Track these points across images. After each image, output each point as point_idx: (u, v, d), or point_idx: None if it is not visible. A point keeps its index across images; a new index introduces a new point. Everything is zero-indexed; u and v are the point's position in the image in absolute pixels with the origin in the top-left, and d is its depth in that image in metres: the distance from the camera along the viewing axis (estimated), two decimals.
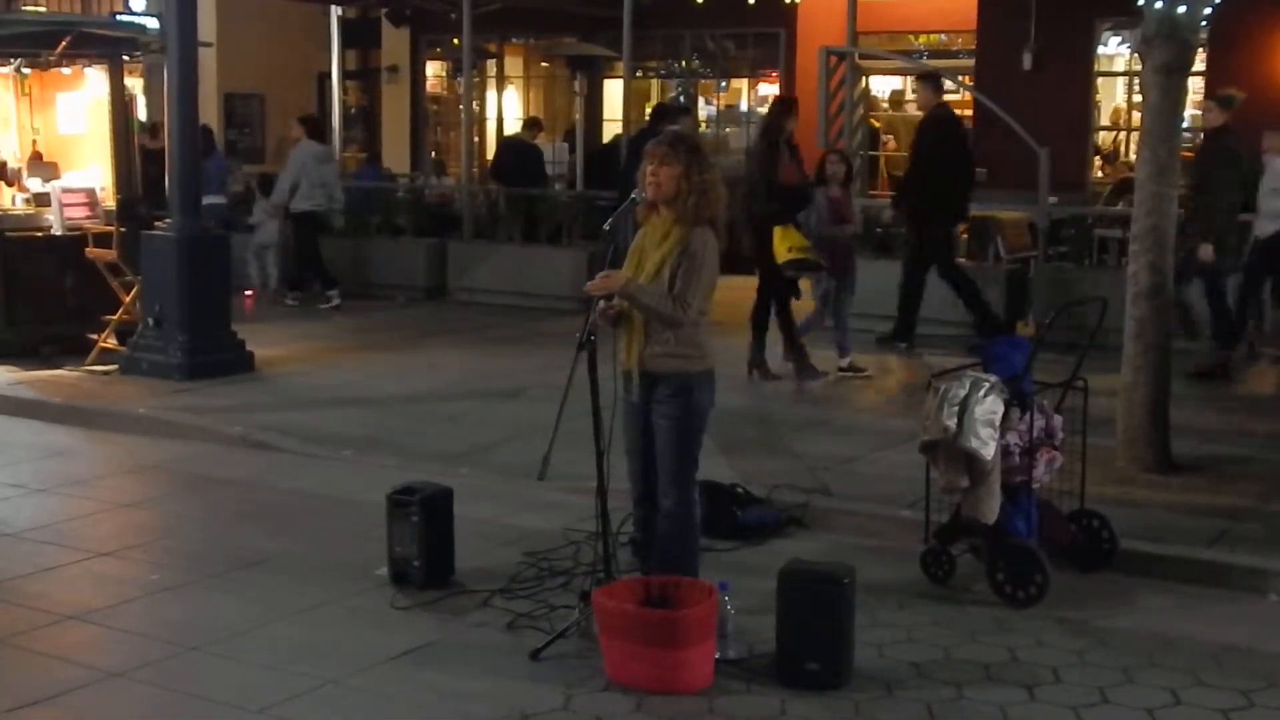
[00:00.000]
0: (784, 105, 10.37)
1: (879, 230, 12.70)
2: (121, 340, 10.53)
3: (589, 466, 5.26)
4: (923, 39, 18.06)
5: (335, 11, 18.15)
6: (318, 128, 14.56)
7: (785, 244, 9.65)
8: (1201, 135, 10.37)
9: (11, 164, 11.84)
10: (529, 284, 13.57)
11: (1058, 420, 6.03)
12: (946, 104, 11.59)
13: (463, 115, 16.57)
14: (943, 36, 17.84)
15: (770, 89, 18.91)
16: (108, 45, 11.34)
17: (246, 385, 10.00)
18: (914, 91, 13.09)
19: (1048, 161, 11.68)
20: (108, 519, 7.15)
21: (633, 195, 5.45)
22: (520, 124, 17.51)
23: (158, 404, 9.31)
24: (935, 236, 11.24)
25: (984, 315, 11.11)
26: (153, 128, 14.75)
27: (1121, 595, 5.92)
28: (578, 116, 18.19)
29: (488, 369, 10.73)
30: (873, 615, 5.51)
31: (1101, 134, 16.94)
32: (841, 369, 10.22)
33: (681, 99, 18.73)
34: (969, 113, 17.27)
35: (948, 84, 17.69)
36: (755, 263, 9.92)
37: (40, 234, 11.13)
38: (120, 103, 11.41)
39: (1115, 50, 16.68)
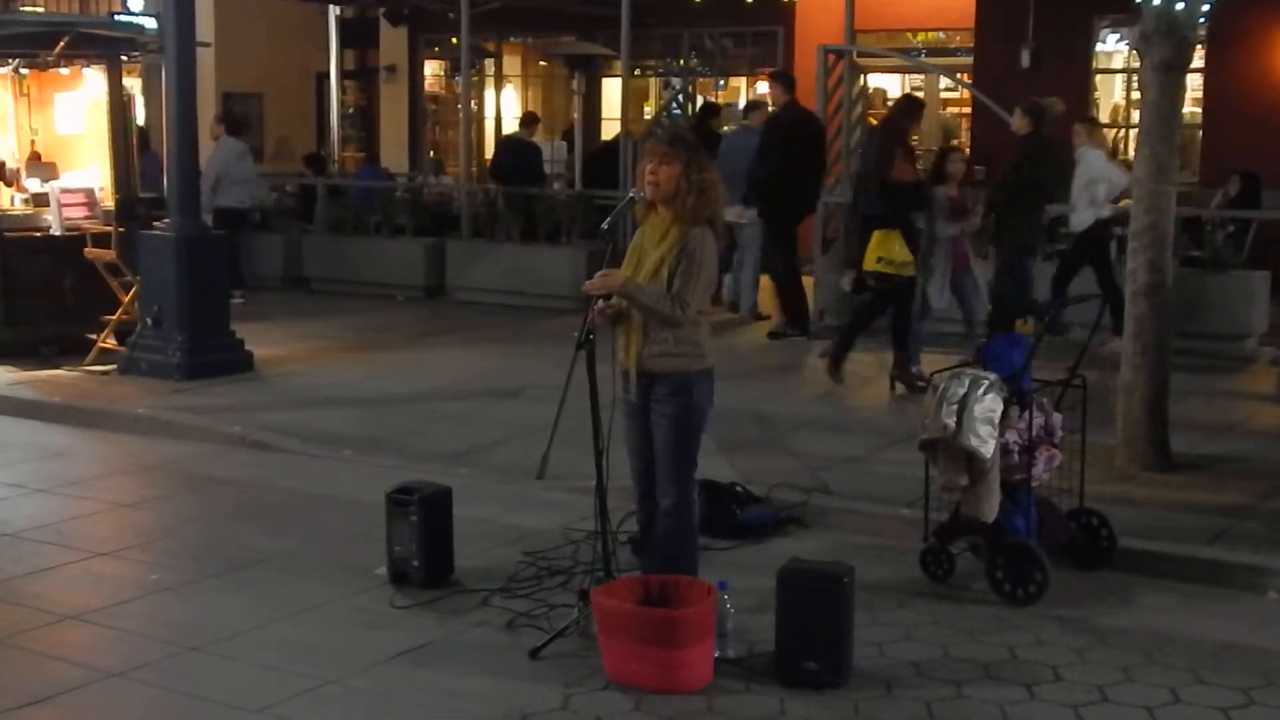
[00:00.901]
0: (910, 106, 10.04)
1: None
2: (120, 340, 10.53)
3: (588, 466, 5.26)
4: (921, 37, 18.05)
5: (333, 11, 18.16)
6: (237, 125, 14.72)
7: (878, 252, 9.19)
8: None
9: (10, 164, 11.83)
10: (528, 283, 13.57)
11: (1057, 418, 6.03)
12: (798, 102, 11.90)
13: (461, 114, 16.56)
14: (941, 34, 17.83)
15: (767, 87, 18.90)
16: (106, 45, 11.33)
17: (245, 385, 10.00)
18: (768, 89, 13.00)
19: None
20: (107, 519, 7.14)
21: (631, 194, 5.45)
22: (517, 122, 17.49)
23: (157, 404, 9.31)
24: (778, 232, 11.67)
25: (795, 315, 11.74)
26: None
27: (1121, 593, 5.92)
28: (576, 115, 18.17)
29: (487, 368, 10.73)
30: (872, 614, 5.51)
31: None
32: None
33: (680, 98, 18.72)
34: (967, 110, 17.32)
35: (946, 82, 17.82)
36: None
37: (39, 234, 11.12)
38: (118, 103, 11.40)
39: (1114, 48, 16.67)
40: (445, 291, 14.34)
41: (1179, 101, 7.53)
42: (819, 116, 12.38)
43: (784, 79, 12.01)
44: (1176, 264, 8.67)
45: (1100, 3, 15.18)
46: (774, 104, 12.07)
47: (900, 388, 9.61)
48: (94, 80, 11.70)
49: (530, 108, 19.94)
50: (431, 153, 20.40)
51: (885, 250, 9.23)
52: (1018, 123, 10.57)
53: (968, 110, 17.33)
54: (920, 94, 19.15)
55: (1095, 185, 10.76)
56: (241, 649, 5.28)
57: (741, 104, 19.45)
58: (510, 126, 19.35)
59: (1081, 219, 10.86)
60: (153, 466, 8.17)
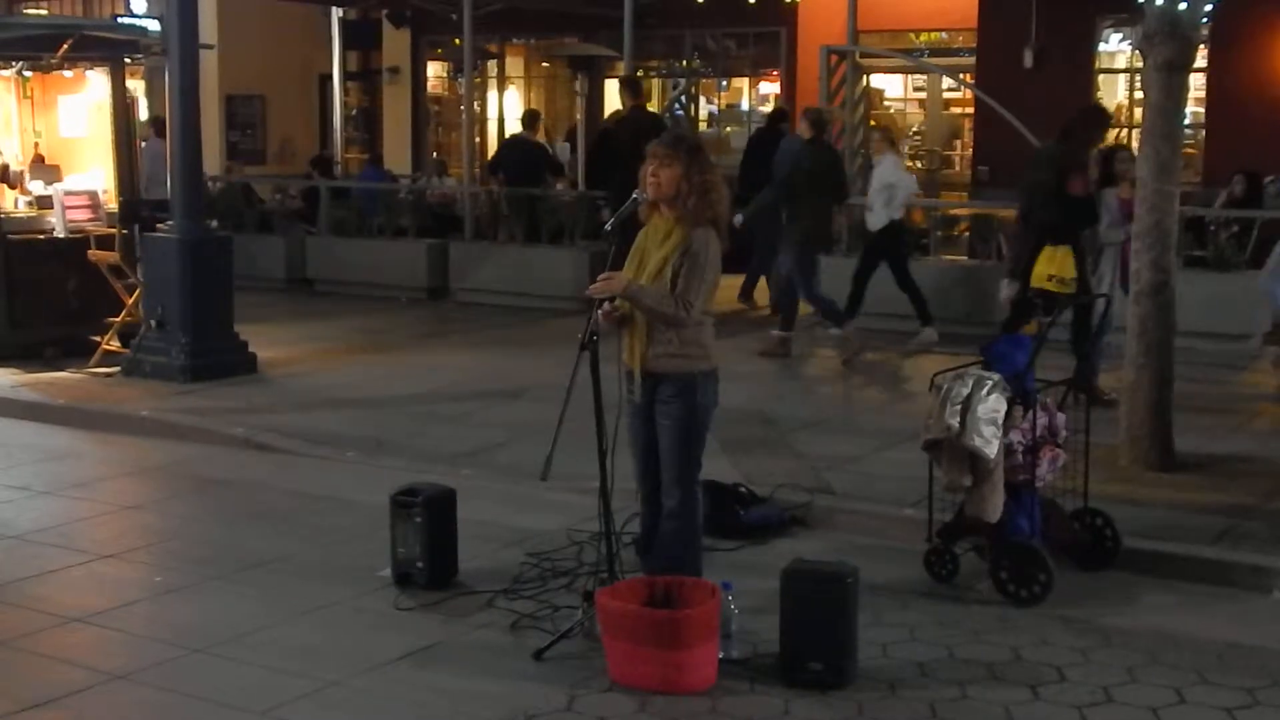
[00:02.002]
0: (1098, 117, 9.69)
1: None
2: (124, 342, 10.54)
3: (592, 467, 5.26)
4: (923, 37, 18.04)
5: (336, 13, 18.18)
6: (164, 128, 14.89)
7: (1049, 270, 8.68)
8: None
9: (14, 167, 11.85)
10: (531, 284, 13.57)
11: (1061, 418, 6.03)
12: (643, 107, 12.81)
13: (464, 116, 16.57)
14: (944, 34, 17.82)
15: (771, 88, 18.92)
16: (109, 48, 11.35)
17: (249, 386, 10.00)
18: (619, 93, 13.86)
19: None
20: (111, 521, 7.15)
21: (634, 195, 5.45)
22: (520, 122, 17.48)
23: (160, 406, 9.31)
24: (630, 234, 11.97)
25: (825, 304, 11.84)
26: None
27: (1125, 593, 5.91)
28: (579, 117, 18.18)
29: (490, 369, 10.73)
30: (876, 614, 5.51)
31: None
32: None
33: (683, 98, 18.73)
34: (970, 110, 17.32)
35: (949, 82, 17.82)
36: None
37: (43, 236, 11.14)
38: (122, 105, 11.43)
39: (1116, 47, 16.66)
40: (448, 293, 14.34)
41: (1182, 101, 7.53)
42: (665, 121, 13.27)
43: (631, 84, 12.82)
44: (1180, 264, 8.67)
45: (1103, 3, 15.18)
46: (621, 109, 12.94)
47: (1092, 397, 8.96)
48: (97, 83, 11.73)
49: (533, 108, 19.95)
50: (434, 154, 20.41)
51: (1056, 267, 8.73)
52: (801, 128, 11.41)
53: (970, 110, 17.32)
54: (921, 95, 19.24)
55: (891, 189, 11.39)
56: (245, 651, 5.29)
57: (744, 104, 19.60)
58: (513, 128, 19.35)
59: (877, 219, 11.47)
60: (157, 468, 8.18)
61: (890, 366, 10.95)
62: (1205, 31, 9.83)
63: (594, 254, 12.79)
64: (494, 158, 15.77)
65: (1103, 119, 9.80)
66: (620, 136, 12.32)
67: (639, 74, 17.31)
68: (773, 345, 11.13)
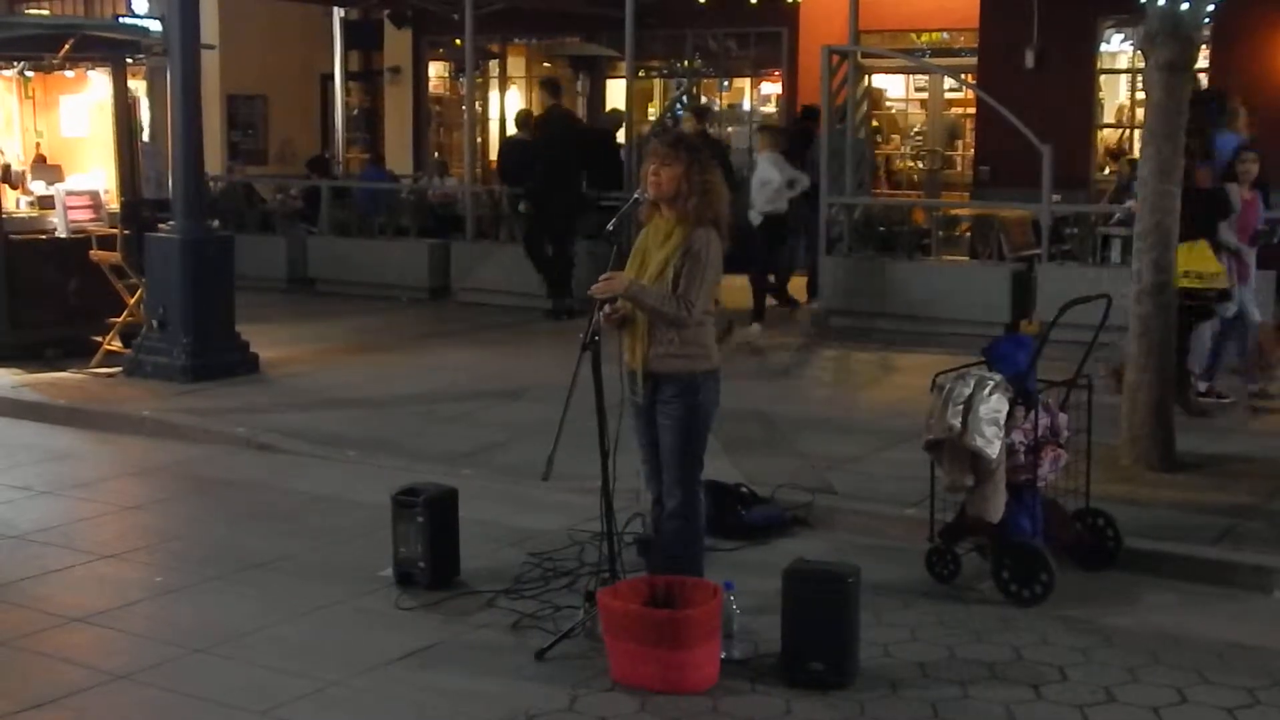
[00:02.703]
0: (1219, 101, 9.38)
1: (881, 229, 12.70)
2: (126, 342, 10.54)
3: (593, 467, 5.26)
4: (925, 37, 18.04)
5: (337, 13, 18.18)
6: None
7: (1186, 266, 8.18)
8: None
9: (16, 167, 11.86)
10: (532, 284, 13.55)
11: (1063, 418, 6.03)
12: (560, 105, 13.72)
13: (465, 116, 16.58)
14: (945, 35, 17.82)
15: (773, 88, 18.92)
16: (111, 48, 11.35)
17: (250, 387, 10.01)
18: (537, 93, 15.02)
19: (1050, 159, 11.69)
20: (112, 521, 7.15)
21: (635, 195, 5.45)
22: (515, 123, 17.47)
23: (162, 406, 9.31)
24: (548, 228, 13.02)
25: (556, 290, 13.02)
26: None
27: (1126, 593, 5.91)
28: (581, 117, 18.18)
29: (491, 369, 10.73)
30: (877, 614, 5.51)
31: (1105, 132, 16.92)
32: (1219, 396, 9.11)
33: (685, 98, 18.72)
34: (971, 111, 17.32)
35: (950, 82, 17.81)
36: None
37: (44, 236, 11.15)
38: (124, 105, 11.43)
39: (1118, 48, 16.66)
40: (449, 293, 14.34)
41: (1183, 102, 7.52)
42: (583, 121, 14.41)
43: (549, 85, 13.95)
44: None
45: (1104, 3, 15.17)
46: (540, 109, 13.77)
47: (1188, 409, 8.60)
48: (99, 83, 11.74)
49: (534, 109, 19.95)
50: (436, 154, 20.41)
51: (1195, 263, 8.38)
52: (687, 123, 12.36)
53: (972, 111, 17.32)
54: (912, 96, 19.20)
55: (767, 186, 12.09)
56: (246, 651, 5.29)
57: (745, 104, 19.60)
58: (514, 128, 19.33)
59: (755, 216, 12.16)
60: (158, 468, 8.18)
61: (862, 363, 10.95)
62: (1207, 32, 9.82)
63: (595, 254, 12.79)
64: (499, 165, 15.78)
65: (1219, 104, 9.44)
66: (537, 135, 13.28)
67: (640, 74, 17.35)
68: (750, 337, 11.71)
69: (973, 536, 5.97)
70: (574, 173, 13.12)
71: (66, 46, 10.97)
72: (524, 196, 13.31)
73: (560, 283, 13.01)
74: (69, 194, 11.26)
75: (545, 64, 20.90)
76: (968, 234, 13.49)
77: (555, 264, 13.07)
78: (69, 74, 11.87)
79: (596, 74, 18.84)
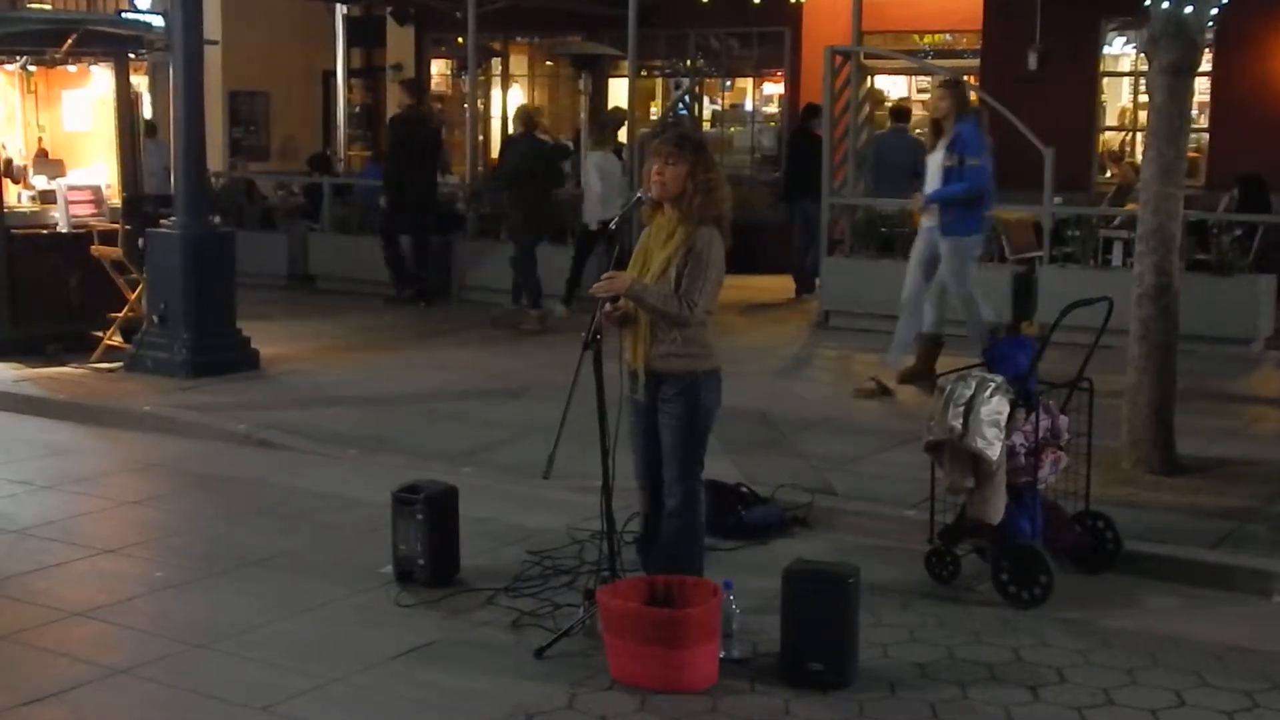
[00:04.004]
0: None
1: (882, 230, 12.71)
2: (126, 338, 10.54)
3: (594, 465, 5.26)
4: (928, 39, 18.04)
5: (340, 10, 18.15)
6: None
7: None
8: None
9: (17, 161, 11.84)
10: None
11: (1063, 420, 6.03)
12: (415, 107, 14.32)
13: (467, 114, 16.56)
14: (948, 36, 17.81)
15: (775, 88, 18.91)
16: (113, 43, 11.34)
17: (251, 383, 10.01)
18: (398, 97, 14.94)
19: (1053, 161, 11.69)
20: (112, 516, 7.15)
21: (638, 194, 5.45)
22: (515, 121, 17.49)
23: (162, 401, 9.31)
24: (403, 224, 13.81)
25: (400, 276, 13.85)
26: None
27: (1126, 596, 5.91)
28: (583, 116, 18.15)
29: (492, 367, 10.73)
30: (877, 615, 5.51)
31: (1107, 134, 16.91)
32: None
33: (687, 98, 18.72)
34: None
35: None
36: None
37: (45, 231, 11.14)
38: (126, 101, 11.41)
39: (1121, 50, 16.64)
40: (450, 290, 14.34)
41: (1186, 104, 7.52)
42: (435, 123, 15.41)
43: (409, 85, 14.78)
44: (1183, 267, 8.65)
45: (1108, 5, 15.16)
46: (399, 108, 14.21)
47: None
48: (101, 78, 11.72)
49: (536, 107, 19.94)
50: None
51: None
52: (515, 126, 13.48)
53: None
54: (914, 98, 19.23)
55: (590, 192, 12.96)
56: (246, 647, 5.29)
57: (747, 104, 19.60)
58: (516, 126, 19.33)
59: (589, 212, 12.92)
60: (158, 464, 8.18)
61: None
62: (1210, 35, 9.83)
63: (597, 253, 12.83)
64: (496, 167, 15.82)
65: None
66: (390, 134, 14.12)
67: (642, 73, 17.34)
68: (532, 323, 12.43)
69: (972, 538, 5.97)
70: (417, 167, 13.75)
71: (69, 41, 10.96)
72: (382, 190, 14.05)
73: (398, 270, 13.88)
74: (71, 189, 11.25)
75: (548, 62, 20.90)
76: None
77: (413, 253, 13.92)
78: (71, 69, 11.84)
79: (598, 73, 18.79)
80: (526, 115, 13.44)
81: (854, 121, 13.22)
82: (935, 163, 9.42)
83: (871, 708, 4.79)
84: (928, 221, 9.56)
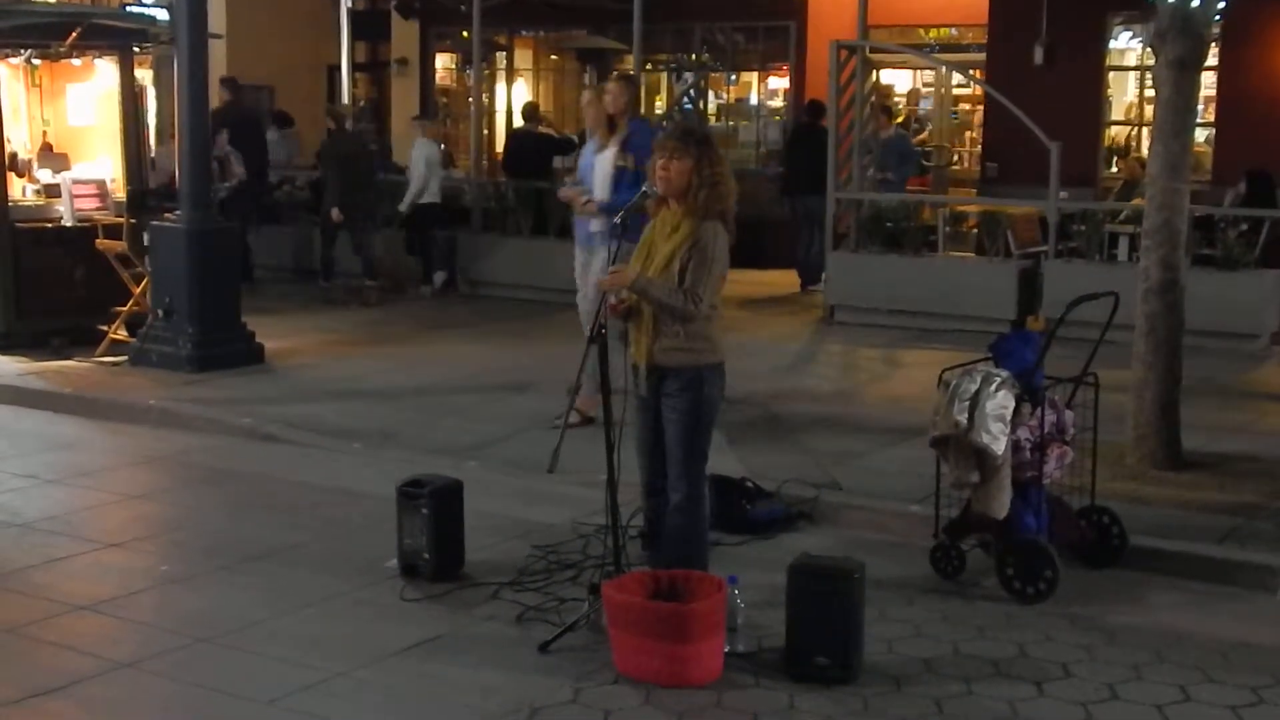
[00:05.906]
0: None
1: (888, 224, 12.70)
2: (131, 332, 10.54)
3: (599, 460, 5.26)
4: (933, 33, 18.01)
5: (345, 4, 18.13)
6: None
7: None
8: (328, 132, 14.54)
9: (22, 155, 11.83)
10: (538, 277, 13.53)
11: (1069, 415, 6.02)
12: (237, 104, 14.74)
13: (472, 108, 16.56)
14: (954, 30, 17.78)
15: (780, 83, 18.88)
16: (118, 37, 11.33)
17: (256, 377, 10.01)
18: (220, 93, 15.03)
19: (1058, 156, 11.67)
20: (117, 510, 7.16)
21: (643, 188, 5.44)
22: (521, 115, 17.49)
23: (167, 395, 9.32)
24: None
25: (327, 268, 14.24)
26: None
27: (1131, 591, 5.91)
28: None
29: (497, 362, 10.73)
30: (882, 610, 5.51)
31: (1113, 129, 16.89)
32: None
33: (691, 91, 18.70)
34: (980, 106, 17.28)
35: (959, 78, 17.76)
36: None
37: (50, 225, 11.13)
38: (130, 94, 11.41)
39: (1127, 45, 16.61)
40: (455, 285, 14.34)
41: (1193, 99, 7.50)
42: (258, 116, 16.04)
43: (228, 83, 14.86)
44: (1189, 262, 8.65)
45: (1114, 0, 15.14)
46: (220, 103, 14.09)
47: None
48: (106, 71, 11.71)
49: (541, 102, 19.93)
50: (442, 146, 20.37)
51: None
52: (328, 122, 14.48)
53: (980, 106, 17.28)
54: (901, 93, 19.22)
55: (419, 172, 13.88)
56: (251, 641, 5.29)
57: (752, 98, 19.58)
58: (521, 120, 19.33)
59: (415, 197, 13.91)
60: (163, 458, 8.19)
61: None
62: (1217, 29, 9.81)
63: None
64: (504, 158, 15.80)
65: None
66: (331, 163, 14.28)
67: (647, 67, 17.33)
68: (369, 296, 13.45)
69: (977, 533, 5.97)
70: (362, 188, 14.04)
71: (74, 35, 10.95)
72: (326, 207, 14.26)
73: (325, 261, 14.26)
74: (75, 182, 11.25)
75: (553, 56, 20.89)
76: (974, 230, 13.47)
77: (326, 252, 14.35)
78: (76, 62, 11.82)
79: (603, 67, 18.79)
80: (334, 111, 14.63)
81: (859, 116, 13.21)
82: (605, 160, 8.34)
83: (876, 702, 4.79)
84: (594, 226, 8.40)
